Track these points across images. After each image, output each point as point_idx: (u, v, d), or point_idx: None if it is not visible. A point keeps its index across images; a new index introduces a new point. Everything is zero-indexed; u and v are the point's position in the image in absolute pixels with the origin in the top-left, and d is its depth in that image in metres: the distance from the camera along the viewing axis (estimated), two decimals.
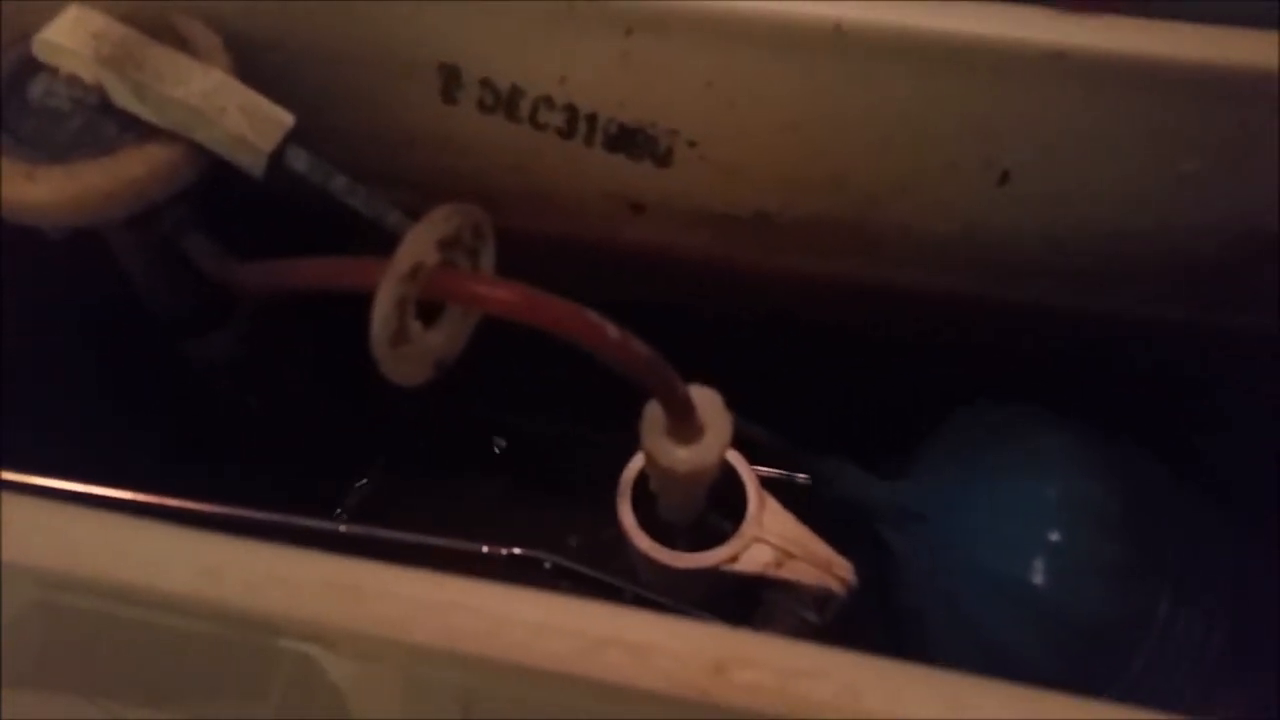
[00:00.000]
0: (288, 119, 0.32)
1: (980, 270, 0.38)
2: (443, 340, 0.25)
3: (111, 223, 0.33)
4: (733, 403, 0.29)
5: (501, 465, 0.51)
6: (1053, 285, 0.38)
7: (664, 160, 0.37)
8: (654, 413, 0.28)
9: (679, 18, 0.33)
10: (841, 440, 0.40)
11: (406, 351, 0.24)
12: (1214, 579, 0.37)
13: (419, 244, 0.23)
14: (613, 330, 0.25)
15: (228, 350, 0.41)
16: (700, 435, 0.28)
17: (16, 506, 0.23)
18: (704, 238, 0.40)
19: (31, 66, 0.32)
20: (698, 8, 0.32)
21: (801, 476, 0.46)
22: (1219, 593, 0.37)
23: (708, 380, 0.29)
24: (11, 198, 0.31)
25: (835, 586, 0.33)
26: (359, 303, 0.23)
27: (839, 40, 0.32)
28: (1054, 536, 0.36)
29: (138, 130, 0.31)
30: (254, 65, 0.34)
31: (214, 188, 0.33)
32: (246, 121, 0.31)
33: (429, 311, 0.25)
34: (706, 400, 0.28)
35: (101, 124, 0.32)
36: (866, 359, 0.42)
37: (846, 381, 0.43)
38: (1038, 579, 0.36)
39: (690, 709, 0.21)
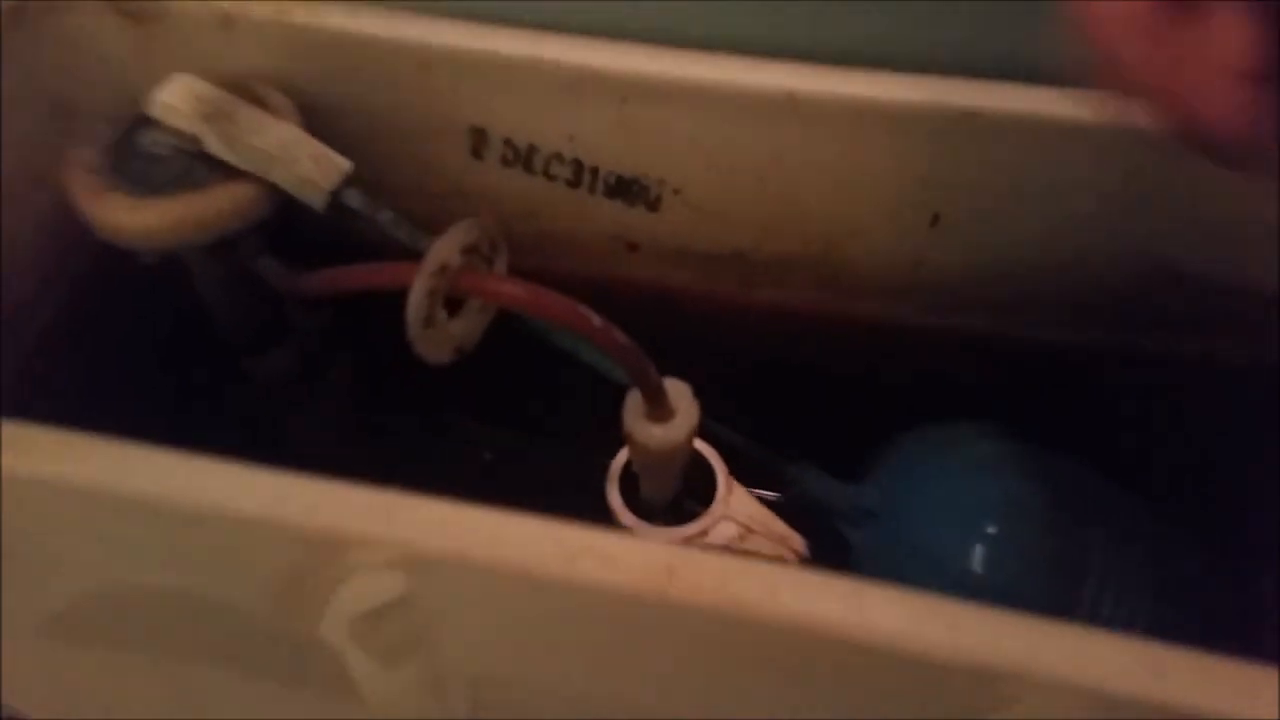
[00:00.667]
0: (346, 164, 0.39)
1: (922, 302, 0.44)
2: (463, 328, 0.32)
3: (198, 248, 0.40)
4: (718, 415, 0.35)
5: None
6: (984, 314, 0.44)
7: (654, 206, 0.44)
8: (634, 399, 0.35)
9: (664, 88, 0.40)
10: (809, 447, 0.46)
11: (433, 334, 0.31)
12: (1136, 568, 0.42)
13: (446, 248, 0.30)
14: (598, 320, 0.31)
15: (285, 367, 0.48)
16: (671, 416, 0.34)
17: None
18: (690, 273, 0.47)
19: (141, 122, 0.40)
20: (679, 80, 0.40)
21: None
22: (1141, 580, 0.42)
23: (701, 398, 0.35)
24: (120, 224, 0.38)
25: (790, 558, 0.39)
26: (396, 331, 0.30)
27: (792, 106, 0.39)
28: (991, 529, 0.42)
29: (224, 172, 0.39)
30: (318, 125, 0.42)
31: (281, 221, 0.41)
32: (313, 166, 0.38)
33: (453, 306, 0.32)
34: (677, 389, 0.35)
35: (195, 167, 0.39)
36: (833, 379, 0.48)
37: (816, 397, 0.49)
38: (976, 565, 0.42)
39: (647, 607, 0.27)
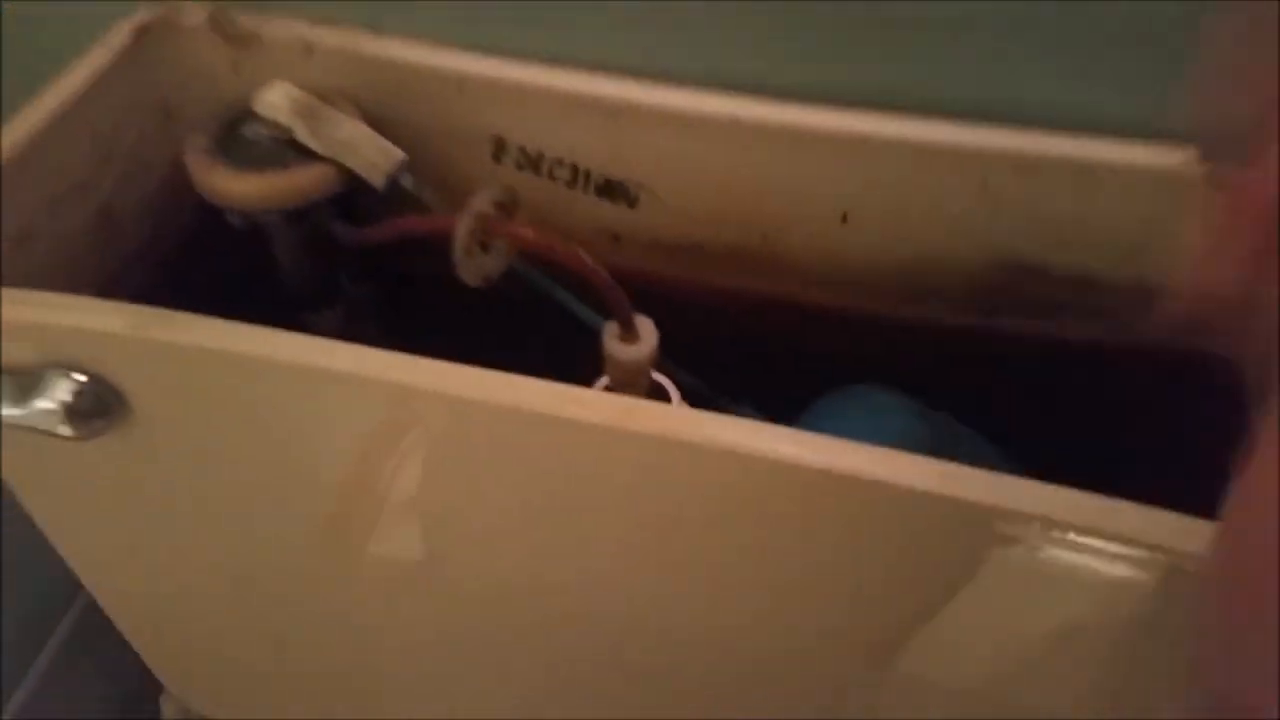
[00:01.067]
0: (401, 154, 0.52)
1: (837, 287, 0.57)
2: (491, 263, 0.45)
3: (281, 214, 0.52)
4: (679, 362, 0.47)
5: None
6: (887, 298, 0.57)
7: (633, 204, 0.57)
8: (611, 327, 0.47)
9: (645, 110, 0.53)
10: (751, 393, 0.58)
11: (470, 263, 0.43)
12: None
13: (482, 200, 0.43)
14: (590, 260, 0.44)
15: (334, 325, 0.60)
16: (638, 340, 0.47)
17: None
18: (660, 261, 0.59)
19: (242, 117, 0.53)
20: (658, 105, 0.53)
21: None
22: None
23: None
24: (228, 190, 0.51)
25: None
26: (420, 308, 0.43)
27: (738, 128, 0.52)
28: None
29: (308, 156, 0.51)
30: (374, 129, 0.55)
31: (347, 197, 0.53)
32: (377, 154, 0.51)
33: (484, 247, 0.44)
34: (642, 321, 0.47)
35: (286, 151, 0.52)
36: (768, 348, 0.61)
37: (755, 362, 0.61)
38: None
39: (612, 434, 0.39)
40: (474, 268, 0.43)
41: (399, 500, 0.43)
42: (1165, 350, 0.55)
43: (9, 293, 0.43)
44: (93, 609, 0.60)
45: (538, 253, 0.44)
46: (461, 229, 0.42)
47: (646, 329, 0.47)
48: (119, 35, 0.56)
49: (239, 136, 0.53)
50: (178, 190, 0.58)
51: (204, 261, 0.59)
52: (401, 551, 0.48)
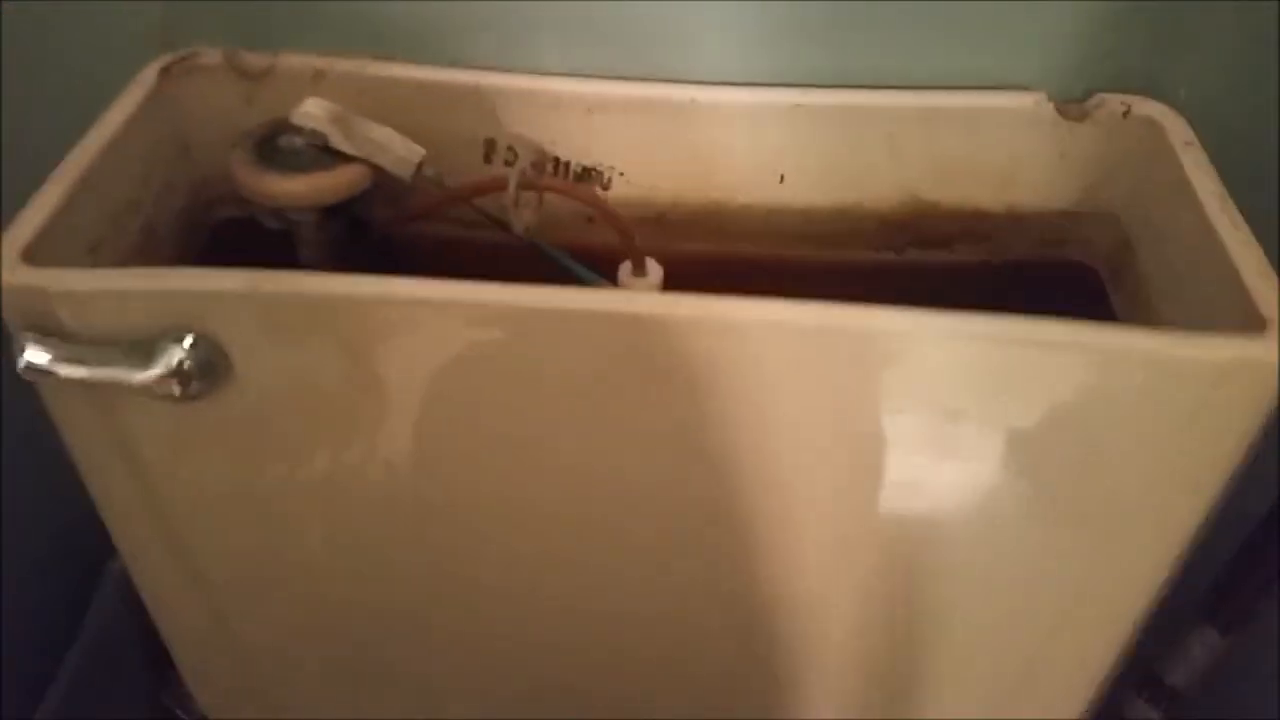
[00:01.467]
0: (422, 151, 0.62)
1: (779, 239, 0.70)
2: (528, 215, 0.55)
3: (315, 213, 0.61)
4: None
5: None
6: (822, 244, 0.70)
7: (607, 186, 0.69)
8: (625, 266, 0.58)
9: (616, 103, 0.65)
10: None
11: (515, 212, 0.54)
12: None
13: (524, 160, 0.53)
14: (609, 206, 0.55)
15: None
16: (646, 274, 0.58)
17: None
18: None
19: (277, 129, 0.62)
20: (624, 96, 0.65)
21: None
22: None
23: None
24: (274, 190, 0.59)
25: None
26: None
27: (695, 108, 0.65)
28: None
29: (342, 158, 0.61)
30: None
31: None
32: (403, 151, 0.61)
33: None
34: (650, 261, 0.59)
35: (321, 156, 0.61)
36: None
37: None
38: None
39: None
40: (517, 217, 0.54)
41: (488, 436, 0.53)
42: (1038, 263, 0.70)
43: (127, 272, 0.51)
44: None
45: (569, 197, 0.55)
46: (511, 184, 0.52)
47: (653, 266, 0.58)
48: (149, 75, 0.64)
49: (277, 147, 0.61)
50: (200, 209, 0.67)
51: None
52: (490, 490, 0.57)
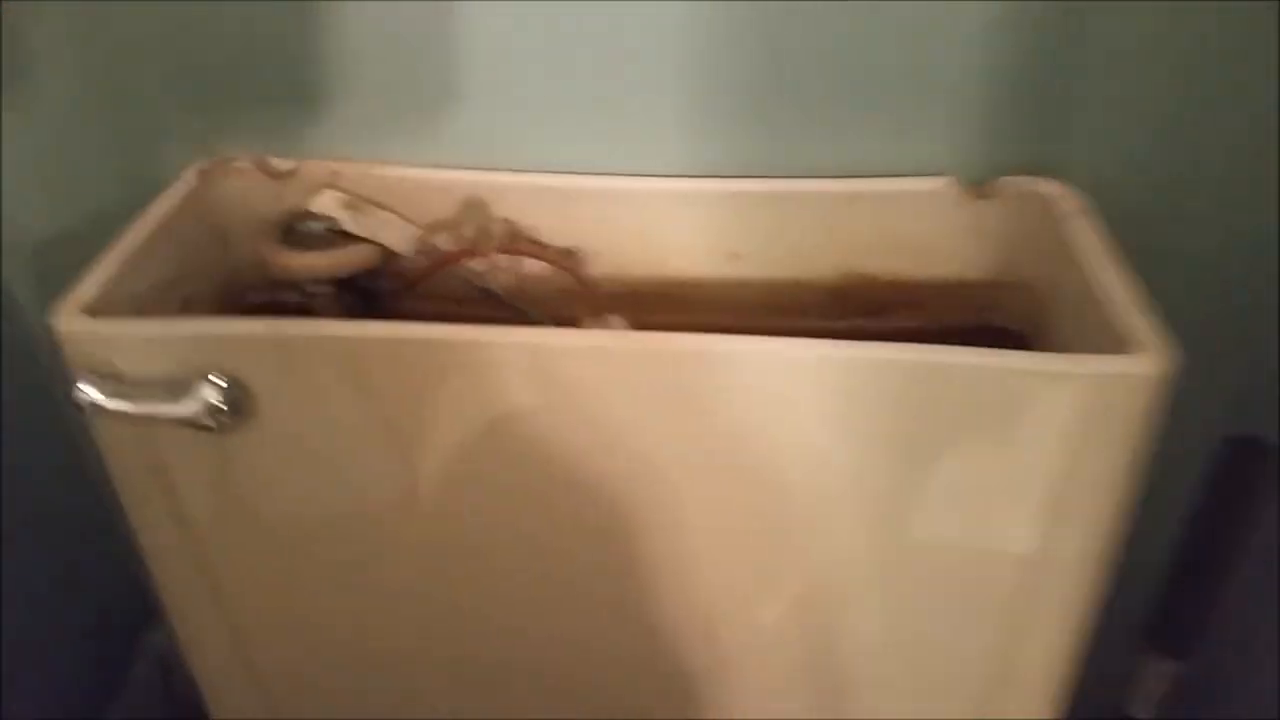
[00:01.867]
0: (418, 229, 0.72)
1: (733, 311, 0.79)
2: (506, 277, 0.65)
3: (336, 282, 0.71)
4: None
5: None
6: (772, 314, 0.79)
7: (584, 265, 0.79)
8: (588, 321, 0.68)
9: (589, 193, 0.76)
10: None
11: (497, 274, 0.64)
12: None
13: (503, 233, 0.64)
14: (577, 266, 0.65)
15: None
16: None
17: None
18: (604, 308, 0.80)
19: (299, 217, 0.73)
20: (597, 188, 0.75)
21: None
22: None
23: None
24: (303, 267, 0.70)
25: None
26: None
27: (657, 198, 0.75)
28: None
29: (353, 240, 0.71)
30: None
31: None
32: (403, 231, 0.72)
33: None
34: (614, 317, 0.68)
35: (335, 238, 0.72)
36: None
37: None
38: None
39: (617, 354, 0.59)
40: (498, 278, 0.64)
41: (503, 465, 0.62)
42: (970, 328, 0.79)
43: (167, 321, 0.60)
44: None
45: (539, 258, 0.65)
46: (491, 248, 0.62)
47: (616, 321, 0.68)
48: (190, 175, 0.76)
49: (296, 232, 0.72)
50: (233, 292, 0.77)
51: None
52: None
